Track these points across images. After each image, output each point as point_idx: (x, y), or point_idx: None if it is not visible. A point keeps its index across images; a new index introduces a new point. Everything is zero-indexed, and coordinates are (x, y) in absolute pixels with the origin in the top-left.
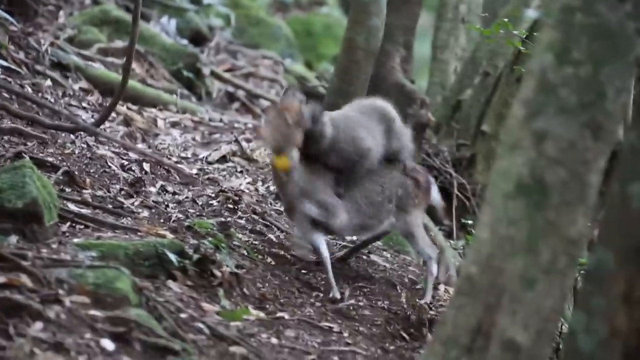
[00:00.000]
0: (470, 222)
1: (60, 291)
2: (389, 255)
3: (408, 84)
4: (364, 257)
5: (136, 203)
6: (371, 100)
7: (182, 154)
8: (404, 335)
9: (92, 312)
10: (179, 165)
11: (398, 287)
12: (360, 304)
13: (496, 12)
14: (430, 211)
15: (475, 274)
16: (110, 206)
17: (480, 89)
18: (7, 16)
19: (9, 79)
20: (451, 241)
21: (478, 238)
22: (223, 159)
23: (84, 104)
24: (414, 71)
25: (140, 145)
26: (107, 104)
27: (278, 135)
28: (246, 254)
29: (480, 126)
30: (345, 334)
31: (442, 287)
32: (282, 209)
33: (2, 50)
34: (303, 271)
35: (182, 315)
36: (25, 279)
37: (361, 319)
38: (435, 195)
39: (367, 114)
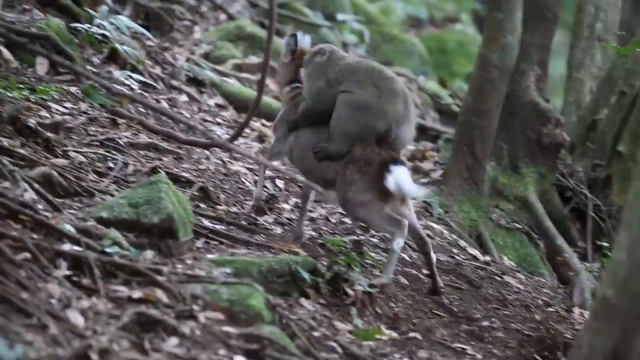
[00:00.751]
0: (606, 244)
1: (195, 307)
2: (522, 277)
3: (543, 103)
4: (498, 278)
5: (270, 220)
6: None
7: None
8: (538, 358)
9: (226, 328)
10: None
11: (532, 309)
12: (494, 325)
13: (633, 30)
14: (565, 233)
15: (611, 297)
16: (244, 222)
17: (617, 108)
18: (145, 31)
19: (146, 94)
20: (586, 264)
21: (614, 260)
22: None
23: (218, 120)
24: (549, 90)
25: (274, 162)
26: (242, 120)
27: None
28: (379, 272)
29: (616, 146)
30: (479, 356)
31: (577, 310)
32: None
33: (139, 65)
34: None
35: (315, 334)
36: (160, 294)
37: (494, 341)
38: (400, 183)
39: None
